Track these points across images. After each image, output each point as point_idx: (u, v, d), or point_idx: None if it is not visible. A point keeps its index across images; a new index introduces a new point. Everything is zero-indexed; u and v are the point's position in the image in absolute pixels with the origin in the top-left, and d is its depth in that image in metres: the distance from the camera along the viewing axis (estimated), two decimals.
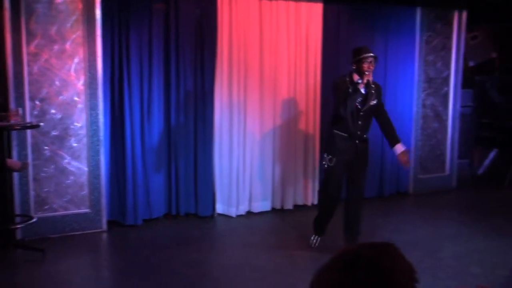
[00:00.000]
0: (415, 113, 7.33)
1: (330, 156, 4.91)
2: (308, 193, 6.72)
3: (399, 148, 5.05)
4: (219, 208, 6.34)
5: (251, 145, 6.38)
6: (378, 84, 5.10)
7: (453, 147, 7.74)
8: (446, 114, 7.62)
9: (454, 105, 7.64)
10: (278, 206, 6.58)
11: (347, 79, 4.86)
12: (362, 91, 4.79)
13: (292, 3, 6.37)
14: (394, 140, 5.06)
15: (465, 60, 8.55)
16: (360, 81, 4.76)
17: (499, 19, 9.14)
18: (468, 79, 8.60)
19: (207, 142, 6.15)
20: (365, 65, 4.77)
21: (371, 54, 4.81)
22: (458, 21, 7.47)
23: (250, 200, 6.47)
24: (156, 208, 6.07)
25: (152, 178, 6.00)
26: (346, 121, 4.83)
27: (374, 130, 6.94)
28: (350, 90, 4.73)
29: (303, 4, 6.42)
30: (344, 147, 4.90)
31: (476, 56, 9.16)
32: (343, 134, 4.90)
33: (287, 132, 6.54)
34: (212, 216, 6.25)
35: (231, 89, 6.19)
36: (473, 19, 7.91)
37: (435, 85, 7.45)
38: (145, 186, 5.97)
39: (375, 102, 4.93)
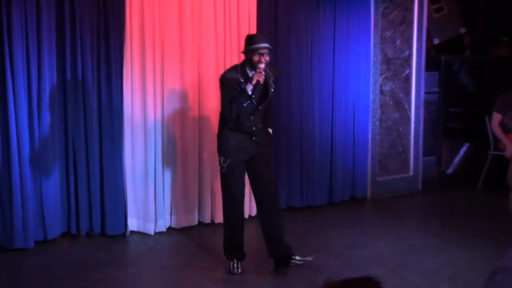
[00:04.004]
0: (372, 101, 7.44)
1: (224, 157, 5.13)
2: (246, 203, 6.66)
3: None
4: (133, 225, 6.27)
5: (171, 145, 6.34)
6: (275, 67, 5.47)
7: (417, 142, 7.90)
8: (408, 102, 7.78)
9: (417, 91, 7.80)
10: (206, 220, 6.56)
11: (239, 71, 5.09)
12: (249, 91, 5.00)
13: None
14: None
15: (429, 36, 8.75)
16: (251, 76, 5.02)
17: None
18: (433, 60, 8.80)
19: (115, 142, 6.07)
20: (256, 57, 5.00)
21: (265, 45, 5.04)
22: None
23: (171, 214, 6.43)
24: (52, 226, 5.92)
25: (45, 189, 5.85)
26: (236, 120, 5.07)
27: (326, 127, 7.08)
28: (237, 90, 5.01)
29: None
30: (239, 146, 5.14)
31: (441, 32, 9.39)
32: (236, 132, 5.13)
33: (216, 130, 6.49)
34: (123, 234, 6.17)
35: (145, 74, 6.11)
36: None
37: (394, 66, 7.59)
38: (36, 200, 5.82)
39: (272, 90, 5.21)
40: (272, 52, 5.22)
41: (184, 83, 6.34)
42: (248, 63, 5.07)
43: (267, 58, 5.03)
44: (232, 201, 5.22)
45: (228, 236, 5.30)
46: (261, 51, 4.99)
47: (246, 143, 5.14)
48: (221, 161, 5.14)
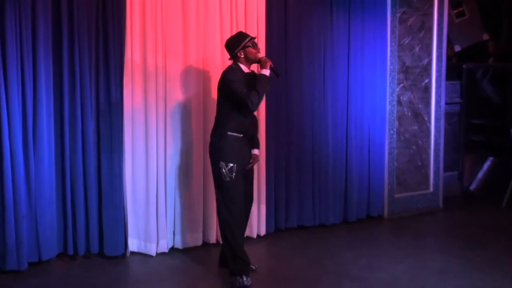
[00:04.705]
0: (389, 113, 7.43)
1: (231, 164, 5.22)
2: (253, 222, 6.67)
3: (256, 151, 5.65)
4: (133, 245, 6.24)
5: (174, 160, 6.31)
6: None
7: (438, 156, 7.89)
8: (428, 114, 7.75)
9: (438, 101, 7.80)
10: (212, 240, 6.52)
11: (237, 70, 5.34)
12: (267, 73, 5.27)
13: None
14: (255, 144, 5.62)
15: (450, 43, 8.70)
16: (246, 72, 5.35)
17: None
18: (454, 68, 8.76)
19: (115, 156, 6.03)
20: (253, 49, 5.36)
21: (252, 36, 5.43)
22: None
23: (174, 233, 6.40)
24: (47, 247, 5.89)
25: (40, 207, 5.82)
26: (241, 118, 5.28)
27: (340, 140, 7.05)
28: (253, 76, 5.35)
29: None
30: (242, 150, 5.35)
31: (463, 39, 9.34)
32: (237, 135, 5.30)
33: None
34: (123, 255, 6.14)
35: (146, 85, 6.10)
36: None
37: (413, 75, 7.58)
38: (31, 218, 5.78)
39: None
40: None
41: (189, 95, 6.32)
42: (245, 59, 5.36)
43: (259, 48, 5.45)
44: (239, 214, 5.32)
45: (236, 250, 5.32)
46: (253, 41, 5.36)
47: (245, 147, 5.40)
48: (227, 170, 5.22)
